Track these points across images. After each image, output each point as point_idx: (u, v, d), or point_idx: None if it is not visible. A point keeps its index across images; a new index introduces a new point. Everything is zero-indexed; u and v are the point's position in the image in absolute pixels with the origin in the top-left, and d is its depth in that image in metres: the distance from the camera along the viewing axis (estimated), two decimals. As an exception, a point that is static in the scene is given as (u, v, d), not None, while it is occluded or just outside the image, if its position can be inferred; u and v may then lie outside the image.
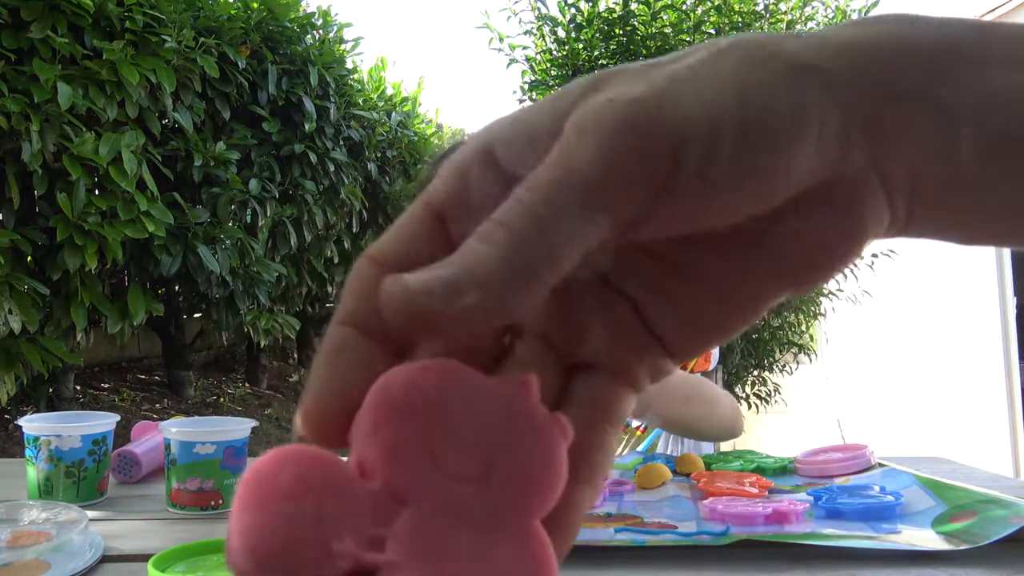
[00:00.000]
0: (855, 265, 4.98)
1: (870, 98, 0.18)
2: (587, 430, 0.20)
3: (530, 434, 0.17)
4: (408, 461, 0.17)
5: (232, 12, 3.96)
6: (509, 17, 4.98)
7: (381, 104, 5.44)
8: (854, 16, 4.96)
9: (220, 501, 0.85)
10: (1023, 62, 0.18)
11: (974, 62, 0.18)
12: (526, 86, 5.06)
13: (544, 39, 5.01)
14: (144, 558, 0.63)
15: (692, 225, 0.18)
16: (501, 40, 5.00)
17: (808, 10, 4.97)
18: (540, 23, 4.96)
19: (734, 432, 1.19)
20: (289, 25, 4.32)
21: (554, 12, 4.91)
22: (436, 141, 5.98)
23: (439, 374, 0.18)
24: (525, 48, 5.07)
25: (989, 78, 0.18)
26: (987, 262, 5.59)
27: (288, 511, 0.16)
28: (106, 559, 0.68)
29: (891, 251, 5.03)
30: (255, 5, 4.13)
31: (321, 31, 4.68)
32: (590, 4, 4.84)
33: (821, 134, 0.17)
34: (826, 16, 4.99)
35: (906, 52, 0.18)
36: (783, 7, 4.85)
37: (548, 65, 5.02)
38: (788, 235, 0.19)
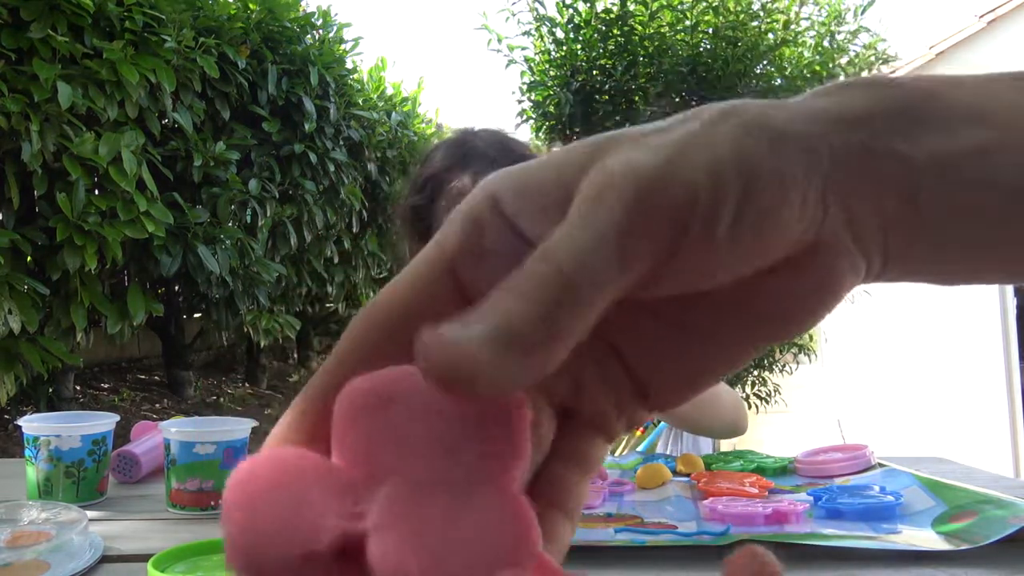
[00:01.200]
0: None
1: (844, 157, 0.19)
2: (567, 470, 0.22)
3: (490, 411, 0.19)
4: (379, 448, 0.18)
5: (232, 12, 3.96)
6: (508, 18, 4.99)
7: (381, 104, 5.44)
8: (848, 15, 4.97)
9: (220, 501, 0.85)
10: (979, 120, 0.20)
11: (936, 118, 0.20)
12: (525, 87, 5.07)
13: (543, 39, 5.02)
14: (144, 558, 0.63)
15: (690, 285, 0.19)
16: (500, 41, 5.00)
17: (804, 10, 4.97)
18: (538, 24, 4.96)
19: (737, 429, 1.18)
20: (289, 25, 4.32)
21: (552, 13, 4.92)
22: (435, 141, 5.98)
23: (393, 375, 0.19)
24: (524, 49, 5.07)
25: (936, 136, 0.20)
26: (987, 262, 5.59)
27: (273, 499, 0.18)
28: (106, 559, 0.68)
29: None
30: (254, 5, 4.13)
31: (321, 31, 4.68)
32: (588, 5, 4.84)
33: (805, 198, 0.19)
34: (820, 18, 4.99)
35: (873, 113, 0.20)
36: (778, 6, 4.85)
37: (547, 66, 5.03)
38: (770, 293, 0.20)
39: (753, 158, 0.18)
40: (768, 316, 0.21)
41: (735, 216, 0.18)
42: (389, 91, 5.68)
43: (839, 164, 0.19)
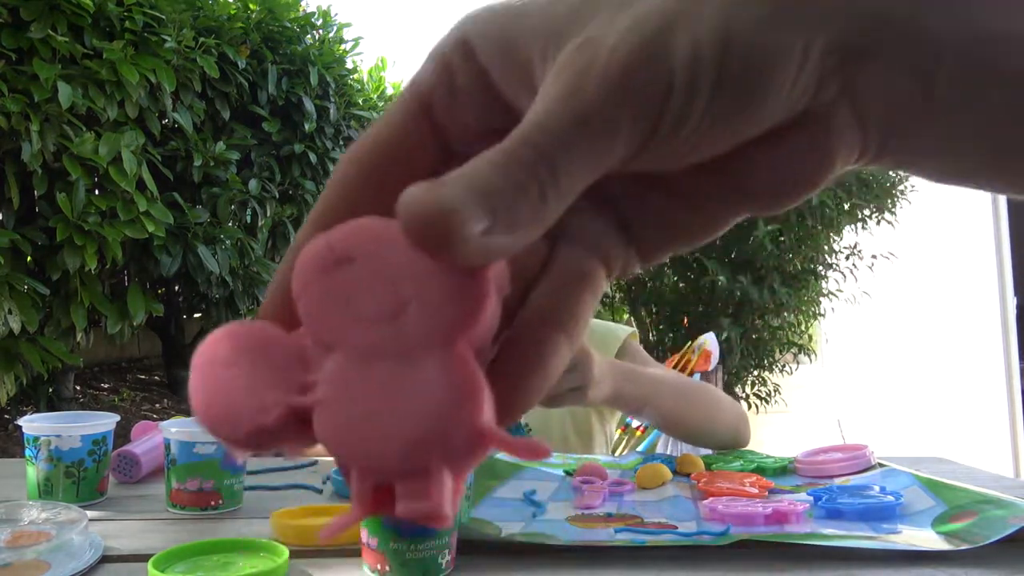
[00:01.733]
0: (855, 267, 4.97)
1: (857, 23, 0.17)
2: (566, 287, 0.20)
3: (434, 267, 0.18)
4: (327, 312, 0.18)
5: (232, 12, 3.96)
6: None
7: (381, 104, 5.44)
8: None
9: (220, 501, 0.85)
10: (1018, 8, 0.18)
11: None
12: None
13: None
14: (144, 558, 0.63)
15: (670, 162, 0.19)
16: None
17: None
18: None
19: (739, 440, 1.16)
20: (289, 25, 4.32)
21: None
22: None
23: (351, 231, 0.18)
24: None
25: (980, 14, 0.18)
26: (987, 262, 5.59)
27: (224, 375, 0.18)
28: (106, 559, 0.68)
29: (891, 253, 5.03)
30: (254, 5, 4.13)
31: (321, 31, 4.68)
32: None
33: (801, 70, 0.17)
34: None
35: None
36: None
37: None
38: (758, 162, 0.19)
39: (743, 34, 0.17)
40: (755, 187, 0.20)
41: (721, 87, 0.17)
42: (389, 91, 5.68)
43: (849, 32, 0.17)
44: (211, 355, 0.19)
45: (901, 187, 4.44)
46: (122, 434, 0.93)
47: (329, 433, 0.18)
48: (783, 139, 0.19)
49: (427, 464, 0.17)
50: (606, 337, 1.29)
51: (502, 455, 1.03)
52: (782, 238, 4.36)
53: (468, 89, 0.20)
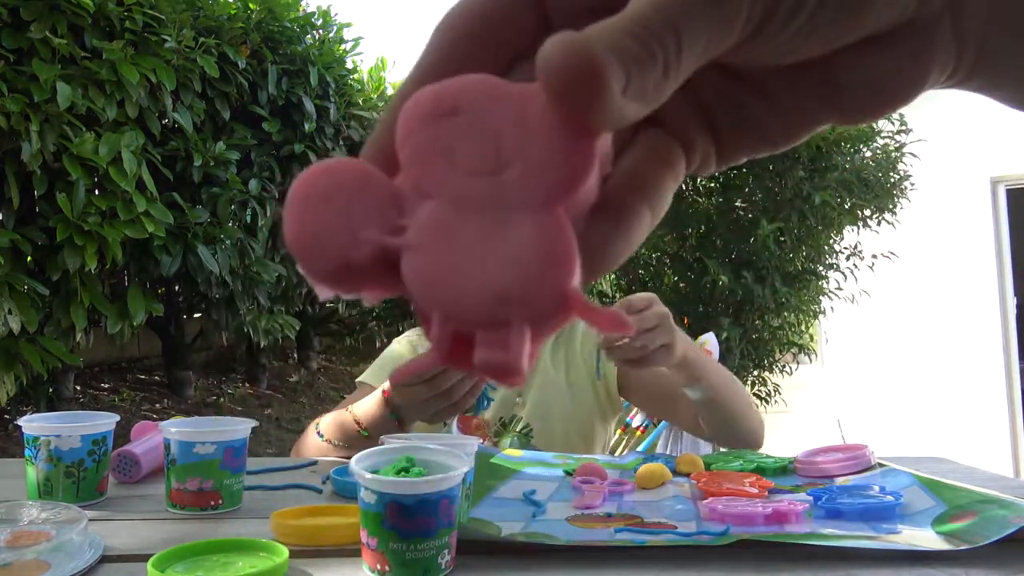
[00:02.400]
0: (856, 267, 4.97)
1: None
2: (651, 163, 0.21)
3: (544, 127, 0.18)
4: (428, 160, 0.19)
5: (232, 12, 3.96)
6: None
7: (381, 104, 5.44)
8: None
9: (220, 501, 0.85)
10: None
11: None
12: None
13: None
14: (144, 558, 0.63)
15: (782, 53, 0.19)
16: None
17: None
18: None
19: (757, 441, 1.21)
20: (289, 25, 4.31)
21: None
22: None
23: (459, 84, 0.19)
24: None
25: None
26: (987, 262, 5.59)
27: (320, 208, 0.19)
28: (106, 559, 0.68)
29: (891, 253, 5.03)
30: (254, 5, 4.13)
31: (321, 31, 4.67)
32: None
33: None
34: None
35: None
36: None
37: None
38: (853, 68, 0.19)
39: None
40: (843, 95, 0.20)
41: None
42: (389, 91, 5.68)
43: None
44: (308, 189, 0.19)
45: (902, 186, 4.44)
46: (122, 434, 0.93)
47: (416, 275, 0.18)
48: (881, 48, 0.19)
49: (510, 317, 0.17)
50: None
51: (502, 456, 1.03)
52: (783, 238, 4.36)
53: None
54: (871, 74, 0.20)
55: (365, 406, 1.11)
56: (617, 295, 5.32)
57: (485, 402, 1.27)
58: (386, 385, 1.10)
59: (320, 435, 1.16)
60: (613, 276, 5.56)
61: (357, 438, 1.10)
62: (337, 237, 0.19)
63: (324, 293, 0.19)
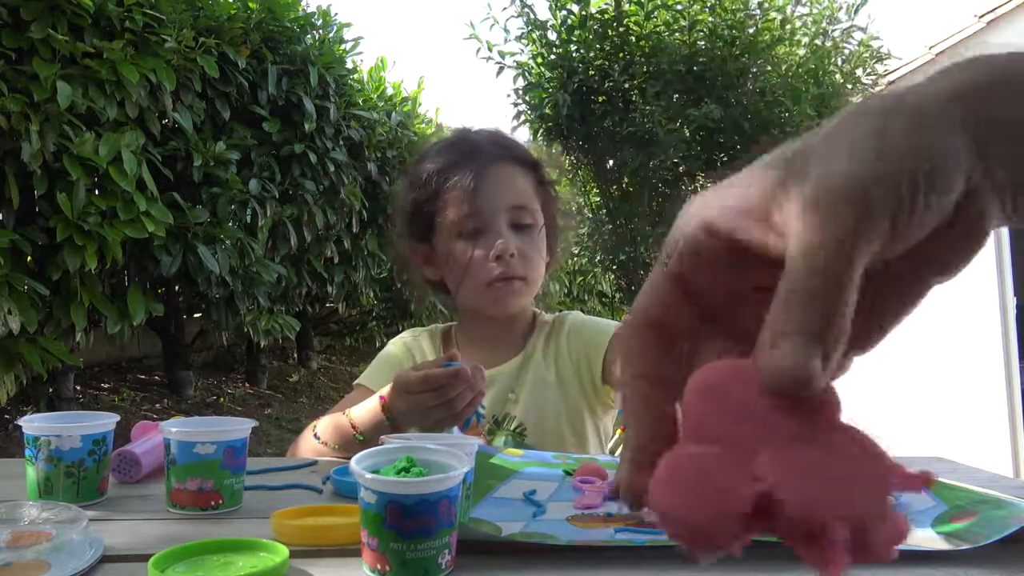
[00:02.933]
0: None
1: (985, 128, 0.26)
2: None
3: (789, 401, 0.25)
4: (738, 428, 0.25)
5: (232, 12, 3.96)
6: (492, 26, 4.99)
7: (381, 104, 5.44)
8: (841, 13, 4.97)
9: (220, 501, 0.85)
10: None
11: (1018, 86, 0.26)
12: (520, 90, 5.07)
13: (536, 44, 5.02)
14: (144, 558, 0.63)
15: (904, 247, 0.25)
16: (490, 49, 5.00)
17: (801, 9, 4.96)
18: (530, 28, 4.96)
19: None
20: (289, 25, 4.31)
21: (544, 16, 4.92)
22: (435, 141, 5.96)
23: (725, 366, 0.26)
24: (514, 55, 5.07)
25: None
26: (987, 262, 5.59)
27: (697, 488, 0.25)
28: (106, 559, 0.68)
29: (891, 251, 5.03)
30: (254, 5, 4.13)
31: (321, 31, 4.67)
32: (579, 6, 4.84)
33: (960, 160, 0.25)
34: (812, 15, 4.99)
35: (1000, 86, 0.27)
36: (774, 4, 4.84)
37: (542, 68, 5.03)
38: (942, 240, 0.26)
39: (931, 146, 0.24)
40: (943, 257, 0.27)
41: (928, 190, 0.24)
42: (389, 91, 5.68)
43: (977, 127, 0.25)
44: (675, 474, 0.25)
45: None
46: (122, 434, 0.93)
47: (800, 502, 0.24)
48: (953, 224, 0.26)
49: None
50: (598, 334, 1.29)
51: (502, 456, 1.03)
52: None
53: (712, 253, 0.28)
54: (952, 239, 0.27)
55: (362, 411, 1.11)
56: (617, 295, 5.32)
57: (479, 419, 1.27)
58: (384, 391, 1.09)
59: (317, 438, 1.16)
60: (613, 276, 5.55)
61: (353, 442, 1.10)
62: (725, 500, 0.25)
63: (705, 559, 0.26)
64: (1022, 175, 0.26)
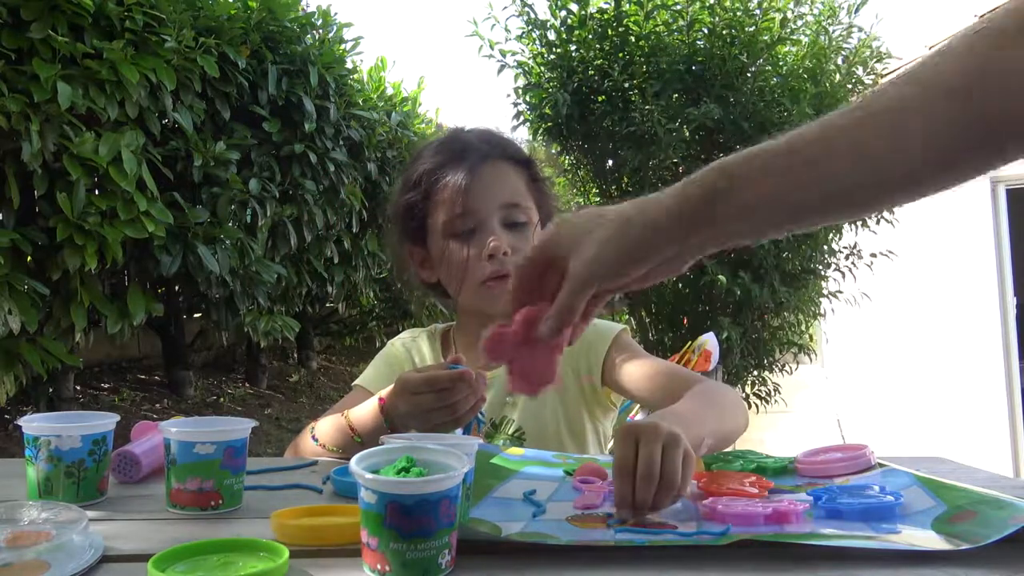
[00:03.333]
0: (855, 266, 4.97)
1: (688, 227, 0.70)
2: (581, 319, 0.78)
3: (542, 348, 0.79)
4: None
5: (232, 12, 3.95)
6: (493, 25, 4.99)
7: (381, 104, 5.44)
8: (842, 12, 4.98)
9: (220, 501, 0.85)
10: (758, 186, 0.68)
11: (730, 191, 0.68)
12: (520, 89, 5.07)
13: (535, 43, 5.02)
14: (144, 558, 0.63)
15: (622, 285, 0.75)
16: (492, 47, 5.00)
17: (803, 9, 4.96)
18: (530, 28, 4.96)
19: (744, 426, 1.14)
20: (289, 25, 4.31)
21: (544, 16, 4.92)
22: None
23: (536, 309, 0.78)
24: (515, 54, 5.07)
25: (742, 196, 0.68)
26: (987, 262, 5.59)
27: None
28: (106, 559, 0.68)
29: (890, 252, 5.02)
30: (254, 5, 4.13)
31: (321, 31, 4.67)
32: (579, 6, 4.84)
33: (671, 246, 0.71)
34: (814, 12, 4.98)
35: (708, 196, 0.70)
36: (774, 4, 4.83)
37: (542, 68, 5.03)
38: (659, 273, 0.73)
39: (640, 244, 0.71)
40: (650, 277, 0.75)
41: (632, 268, 0.73)
42: (389, 91, 5.67)
43: (682, 226, 0.70)
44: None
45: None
46: (122, 434, 0.93)
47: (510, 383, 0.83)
48: (664, 266, 0.73)
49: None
50: (597, 337, 1.29)
51: (502, 455, 1.03)
52: (781, 238, 4.36)
53: (537, 259, 0.78)
54: (661, 273, 0.73)
55: (360, 412, 1.11)
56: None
57: (479, 425, 1.26)
58: (383, 392, 1.09)
59: (315, 439, 1.16)
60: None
61: (351, 444, 1.10)
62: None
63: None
64: (711, 243, 0.70)
